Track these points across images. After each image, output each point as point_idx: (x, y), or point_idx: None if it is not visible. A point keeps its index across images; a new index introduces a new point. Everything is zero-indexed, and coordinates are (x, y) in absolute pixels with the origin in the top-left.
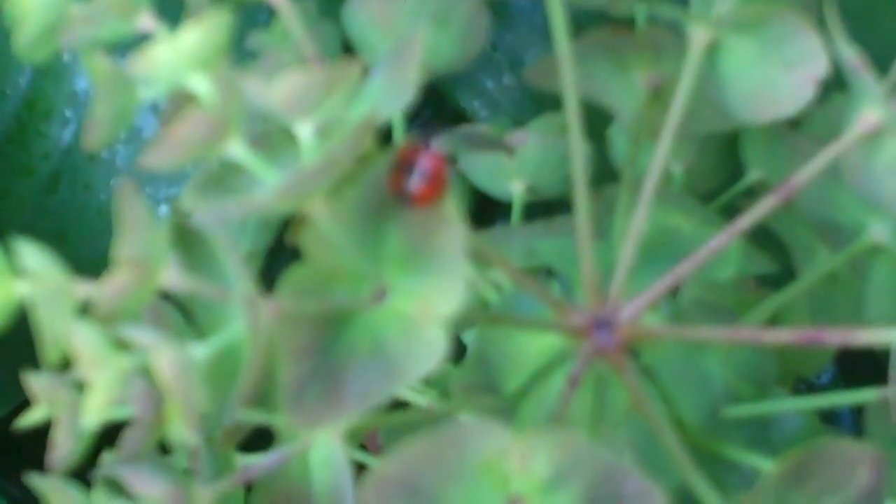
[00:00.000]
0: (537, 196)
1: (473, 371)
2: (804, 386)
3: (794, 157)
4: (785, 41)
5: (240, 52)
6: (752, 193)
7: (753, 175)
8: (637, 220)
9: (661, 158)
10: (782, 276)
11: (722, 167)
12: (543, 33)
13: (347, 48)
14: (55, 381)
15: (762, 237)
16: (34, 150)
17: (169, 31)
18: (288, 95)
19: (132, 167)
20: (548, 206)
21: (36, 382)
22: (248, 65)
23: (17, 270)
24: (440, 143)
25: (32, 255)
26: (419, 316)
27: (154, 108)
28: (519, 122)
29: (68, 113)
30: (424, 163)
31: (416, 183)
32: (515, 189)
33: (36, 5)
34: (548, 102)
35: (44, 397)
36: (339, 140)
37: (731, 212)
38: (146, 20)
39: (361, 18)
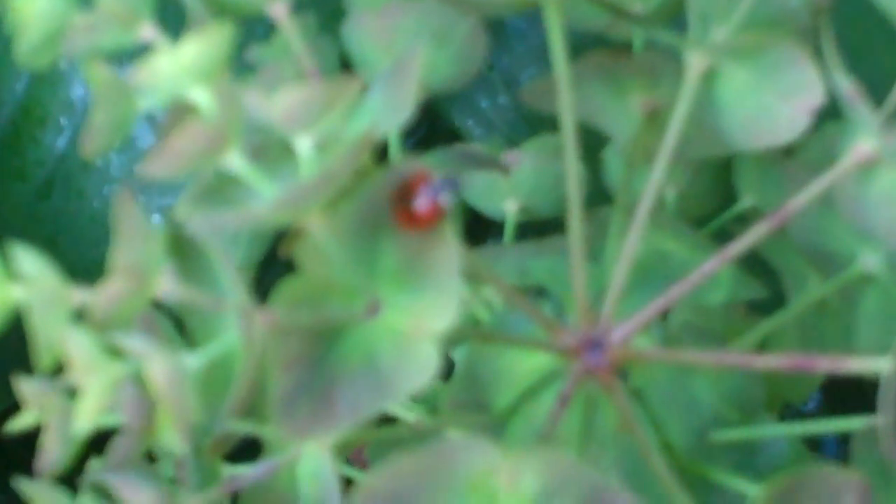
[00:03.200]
0: (531, 216)
1: (463, 388)
2: (791, 413)
3: (787, 185)
4: (782, 70)
5: (238, 64)
6: (745, 219)
7: (746, 201)
8: (630, 243)
9: (656, 183)
10: (772, 301)
11: (715, 193)
12: (540, 54)
13: (346, 64)
14: (46, 386)
15: (753, 263)
16: (28, 156)
17: (170, 42)
18: (288, 109)
19: (126, 176)
20: (539, 227)
21: (26, 387)
22: (247, 78)
23: (12, 275)
24: (442, 170)
25: (28, 259)
26: (412, 332)
27: (149, 118)
28: (513, 141)
29: (63, 120)
30: (427, 196)
31: (414, 211)
32: (509, 209)
33: (38, 13)
34: (542, 123)
35: (34, 402)
36: (338, 155)
37: (723, 237)
38: (147, 30)
39: (361, 35)
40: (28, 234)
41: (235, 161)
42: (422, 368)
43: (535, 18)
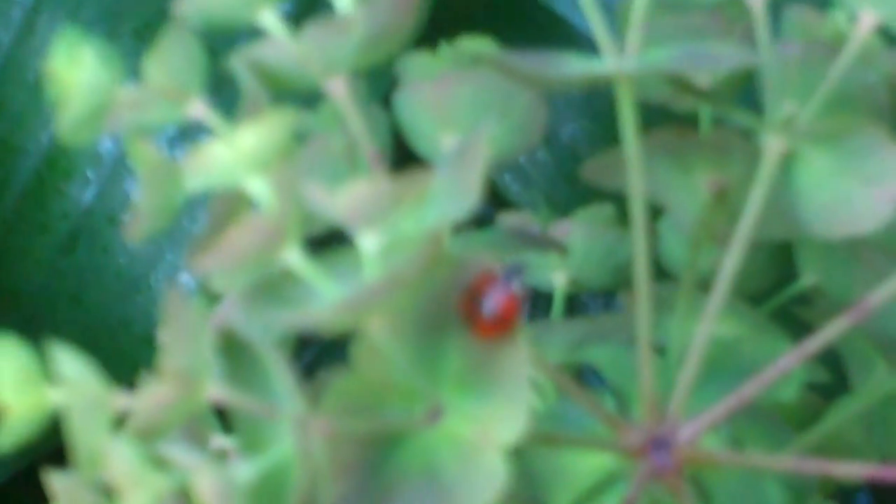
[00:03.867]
0: (579, 289)
1: (517, 483)
2: None
3: (855, 265)
4: (864, 156)
5: None
6: (806, 299)
7: (808, 279)
8: (701, 335)
9: (730, 270)
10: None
11: (773, 269)
12: (580, 109)
13: (396, 133)
14: (78, 484)
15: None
16: (52, 208)
17: (220, 119)
18: (353, 205)
19: (153, 232)
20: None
21: (58, 482)
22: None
23: (50, 376)
24: (511, 270)
25: (68, 360)
26: (477, 441)
27: None
28: (551, 198)
29: (90, 173)
30: (497, 296)
31: (486, 315)
32: (557, 281)
33: (80, 87)
34: (581, 181)
35: (66, 499)
36: (406, 255)
37: (781, 316)
38: (197, 108)
39: (414, 105)
40: (51, 290)
41: (293, 257)
42: (488, 482)
43: None
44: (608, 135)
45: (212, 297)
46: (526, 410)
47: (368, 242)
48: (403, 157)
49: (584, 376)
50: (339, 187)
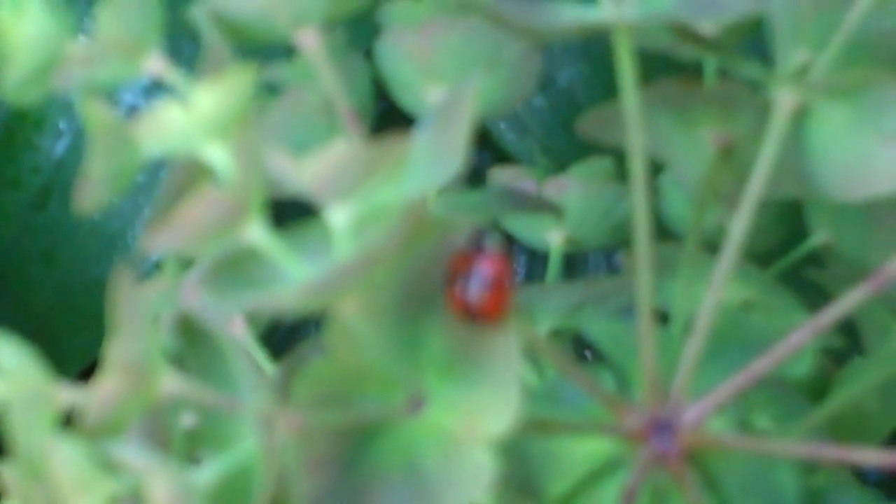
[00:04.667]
0: (577, 248)
1: (509, 468)
2: None
3: (869, 224)
4: (884, 111)
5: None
6: (816, 257)
7: (818, 238)
8: (709, 305)
9: (739, 234)
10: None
11: (780, 226)
12: (577, 53)
13: (378, 85)
14: (31, 474)
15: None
16: (23, 162)
17: (181, 74)
18: (322, 176)
19: (130, 185)
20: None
21: (8, 473)
22: (266, 102)
23: None
24: (495, 242)
25: (8, 351)
26: (462, 433)
27: None
28: (547, 147)
29: (62, 124)
30: (483, 269)
31: (476, 294)
32: (553, 240)
33: (27, 42)
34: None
35: (17, 493)
36: (383, 229)
37: (789, 277)
38: (155, 63)
39: (397, 54)
40: (21, 247)
41: (256, 233)
42: (473, 478)
43: None
44: (608, 80)
45: (186, 264)
46: (516, 400)
47: (339, 217)
48: (387, 110)
49: (583, 345)
50: (309, 152)
